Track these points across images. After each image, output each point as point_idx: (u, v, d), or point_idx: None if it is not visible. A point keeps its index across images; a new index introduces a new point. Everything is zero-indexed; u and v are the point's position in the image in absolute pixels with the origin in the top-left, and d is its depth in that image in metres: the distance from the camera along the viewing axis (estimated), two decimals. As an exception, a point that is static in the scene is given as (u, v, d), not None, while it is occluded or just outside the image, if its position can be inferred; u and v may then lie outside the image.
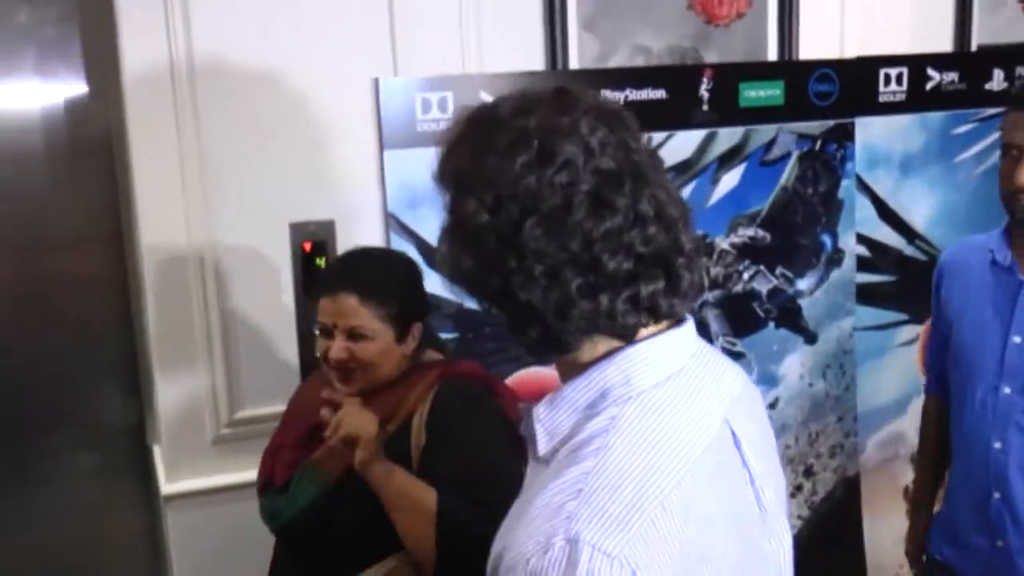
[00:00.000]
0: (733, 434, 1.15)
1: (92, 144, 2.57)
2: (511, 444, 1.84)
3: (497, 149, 1.07)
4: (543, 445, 1.12)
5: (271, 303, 2.44)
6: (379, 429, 1.85)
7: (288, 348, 2.46)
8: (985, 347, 2.13)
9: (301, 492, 1.92)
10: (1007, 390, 2.07)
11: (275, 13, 2.33)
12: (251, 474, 2.07)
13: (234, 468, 2.41)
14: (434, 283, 2.45)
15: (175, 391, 2.39)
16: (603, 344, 1.10)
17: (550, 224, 1.04)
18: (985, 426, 2.08)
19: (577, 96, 1.10)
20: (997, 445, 2.08)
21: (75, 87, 2.54)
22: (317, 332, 1.97)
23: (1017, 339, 2.07)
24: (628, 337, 1.10)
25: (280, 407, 2.27)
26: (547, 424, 1.12)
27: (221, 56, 2.31)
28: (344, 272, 1.97)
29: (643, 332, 1.10)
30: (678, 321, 1.14)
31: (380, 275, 1.96)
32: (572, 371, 1.12)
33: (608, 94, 2.54)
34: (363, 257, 2.01)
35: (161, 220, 2.33)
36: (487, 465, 1.89)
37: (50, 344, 2.65)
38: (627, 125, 1.10)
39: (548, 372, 2.67)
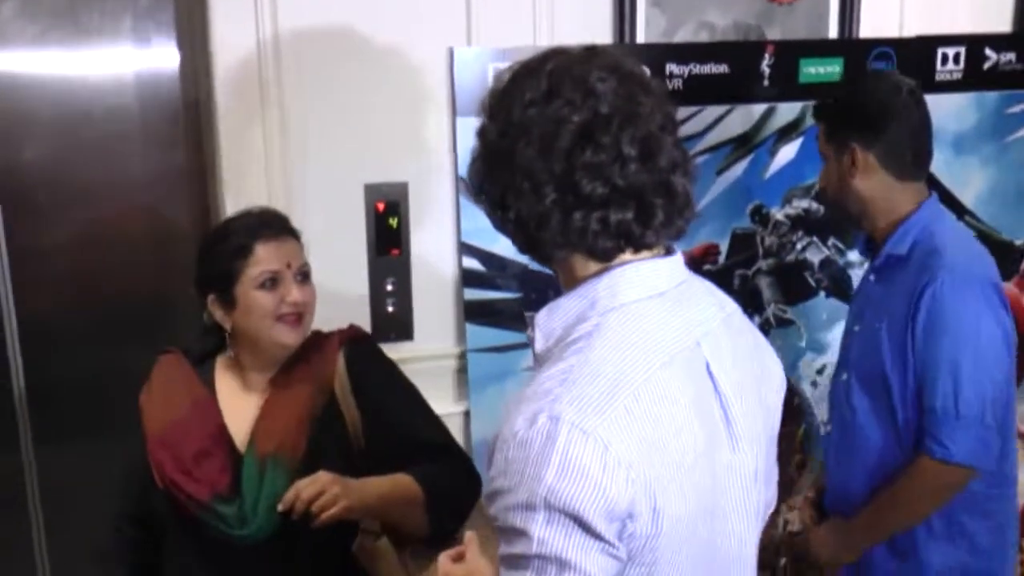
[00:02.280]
0: (705, 358, 1.24)
1: (182, 109, 2.54)
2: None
3: (517, 87, 1.20)
4: (539, 345, 1.24)
5: (346, 259, 2.42)
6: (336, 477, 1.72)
7: (361, 300, 2.45)
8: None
9: (271, 488, 1.76)
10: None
11: None
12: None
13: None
14: (504, 246, 2.44)
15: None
16: (592, 264, 1.22)
17: (539, 147, 1.16)
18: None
19: (602, 54, 1.22)
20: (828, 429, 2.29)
21: (167, 54, 2.52)
22: (259, 286, 1.78)
23: (855, 328, 2.18)
24: (606, 258, 1.21)
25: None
26: (544, 328, 1.24)
27: (305, 27, 2.29)
28: (274, 219, 1.86)
29: (630, 256, 1.21)
30: (668, 253, 1.25)
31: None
32: (570, 284, 1.24)
33: (673, 67, 2.52)
34: (268, 209, 1.91)
35: (244, 182, 2.33)
36: (423, 405, 1.95)
37: (134, 305, 2.61)
38: (647, 87, 1.21)
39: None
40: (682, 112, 2.47)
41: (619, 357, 1.16)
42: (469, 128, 2.37)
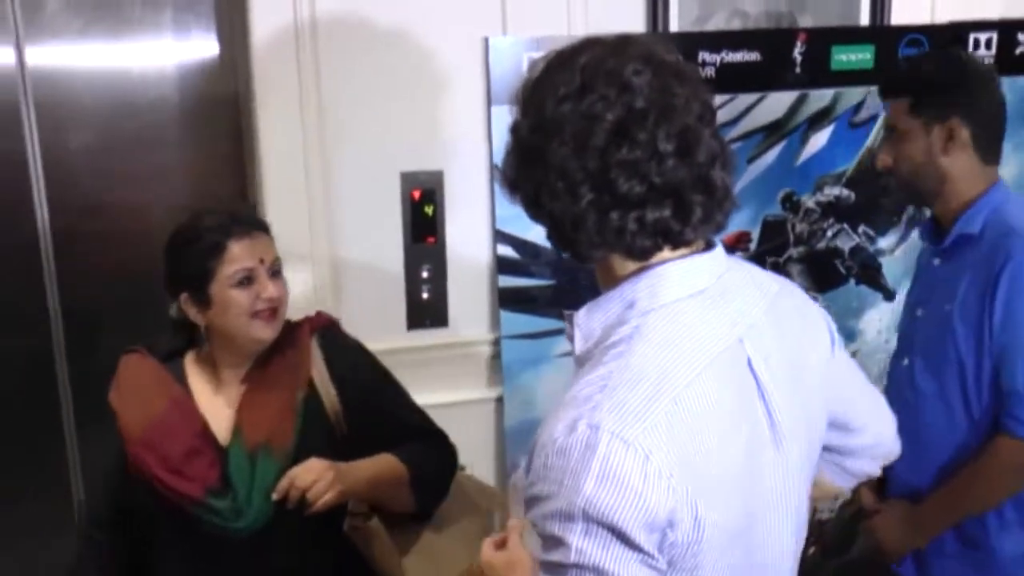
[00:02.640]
0: (747, 354, 1.21)
1: (221, 100, 2.57)
2: None
3: (549, 81, 1.16)
4: (579, 346, 1.21)
5: (382, 247, 2.43)
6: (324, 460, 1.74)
7: (396, 287, 2.46)
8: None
9: (263, 478, 1.76)
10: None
11: None
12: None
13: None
14: (537, 233, 2.44)
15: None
16: (631, 263, 1.18)
17: (573, 146, 1.12)
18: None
19: (636, 43, 1.18)
20: None
21: (207, 46, 2.53)
22: (235, 284, 1.75)
23: (919, 312, 2.11)
24: (644, 257, 1.17)
25: (389, 343, 2.28)
26: (583, 328, 1.21)
27: (342, 17, 2.30)
28: (245, 215, 1.85)
29: (669, 254, 1.17)
30: (709, 246, 1.21)
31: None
32: (608, 284, 1.21)
33: (705, 55, 2.50)
34: (237, 204, 1.90)
35: (283, 171, 2.34)
36: (397, 391, 1.94)
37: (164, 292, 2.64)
38: (683, 77, 1.16)
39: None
40: (715, 100, 2.50)
41: (660, 362, 1.13)
42: (503, 117, 2.36)
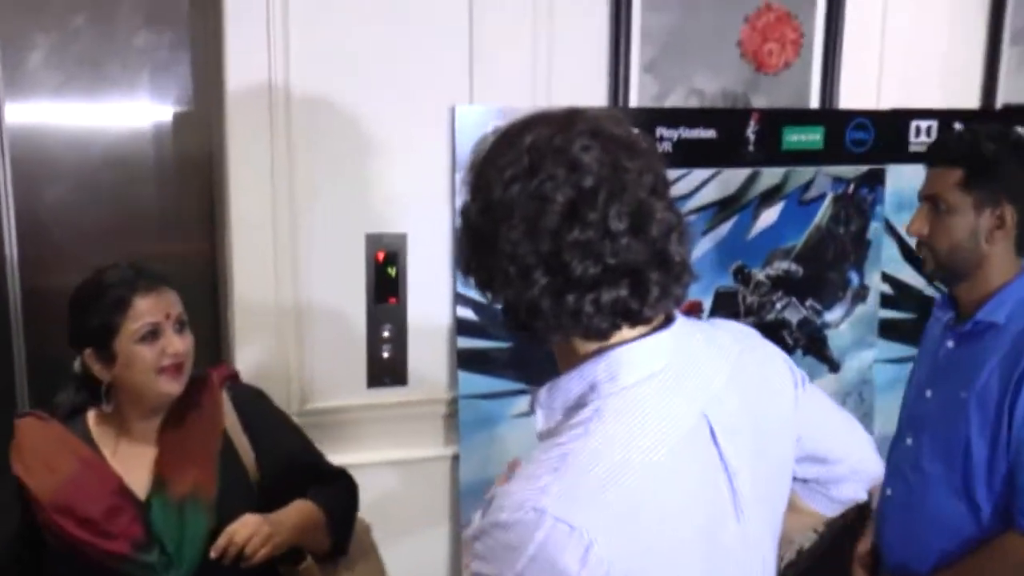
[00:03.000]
0: (710, 427, 1.17)
1: (194, 159, 2.59)
2: None
3: (496, 161, 1.11)
4: (540, 424, 1.19)
5: (345, 306, 2.44)
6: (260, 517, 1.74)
7: (358, 345, 2.47)
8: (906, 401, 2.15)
9: (193, 528, 1.75)
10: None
11: (363, 45, 2.35)
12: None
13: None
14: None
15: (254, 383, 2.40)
16: (590, 343, 1.15)
17: (524, 230, 1.08)
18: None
19: (584, 118, 1.13)
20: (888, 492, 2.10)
21: (182, 106, 2.56)
22: (140, 339, 1.73)
23: (928, 392, 2.03)
24: (603, 337, 1.13)
25: (349, 399, 2.29)
26: (544, 407, 1.18)
27: (314, 82, 2.33)
28: (148, 272, 1.80)
29: (629, 333, 1.14)
30: (668, 319, 1.18)
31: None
32: (568, 364, 1.17)
33: (663, 131, 2.57)
34: (140, 260, 1.86)
35: (251, 229, 2.35)
36: (301, 436, 2.01)
37: None
38: (633, 149, 1.12)
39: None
40: (671, 174, 2.55)
41: (617, 448, 1.09)
42: (468, 183, 2.45)
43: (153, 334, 1.74)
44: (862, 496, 1.53)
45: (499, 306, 1.17)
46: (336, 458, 2.05)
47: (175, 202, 2.60)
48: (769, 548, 1.28)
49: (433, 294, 2.50)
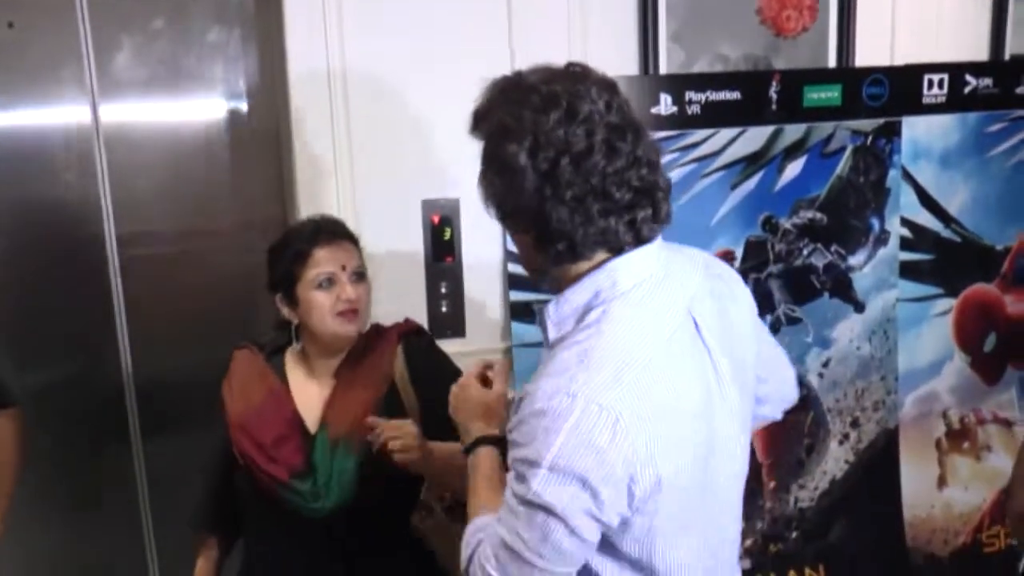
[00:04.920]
0: (695, 321, 1.32)
1: (264, 139, 2.67)
2: None
3: (534, 107, 1.23)
4: (552, 334, 1.30)
5: (406, 266, 2.51)
6: (415, 429, 1.76)
7: (419, 302, 2.53)
8: None
9: (342, 465, 1.80)
10: None
11: (411, 26, 2.40)
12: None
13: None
14: (544, 251, 2.54)
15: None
16: (598, 257, 1.28)
17: (578, 163, 1.21)
18: None
19: (586, 70, 1.29)
20: None
21: (252, 94, 2.66)
22: (317, 286, 1.82)
23: None
24: (620, 250, 1.27)
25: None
26: (554, 319, 1.31)
27: (370, 63, 2.39)
28: (330, 225, 1.89)
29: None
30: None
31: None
32: (567, 282, 1.30)
33: (691, 94, 2.60)
34: (327, 216, 1.95)
35: (317, 199, 2.41)
36: None
37: (228, 307, 2.73)
38: (621, 93, 1.29)
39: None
40: (699, 134, 2.62)
41: (628, 339, 1.22)
42: (512, 150, 2.51)
43: (330, 282, 1.82)
44: (778, 416, 1.67)
45: (533, 234, 1.27)
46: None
47: (249, 181, 2.69)
48: (745, 433, 1.42)
49: (486, 252, 2.55)
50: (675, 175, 2.63)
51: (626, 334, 1.23)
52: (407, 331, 2.00)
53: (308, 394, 1.90)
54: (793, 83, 2.69)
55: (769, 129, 2.71)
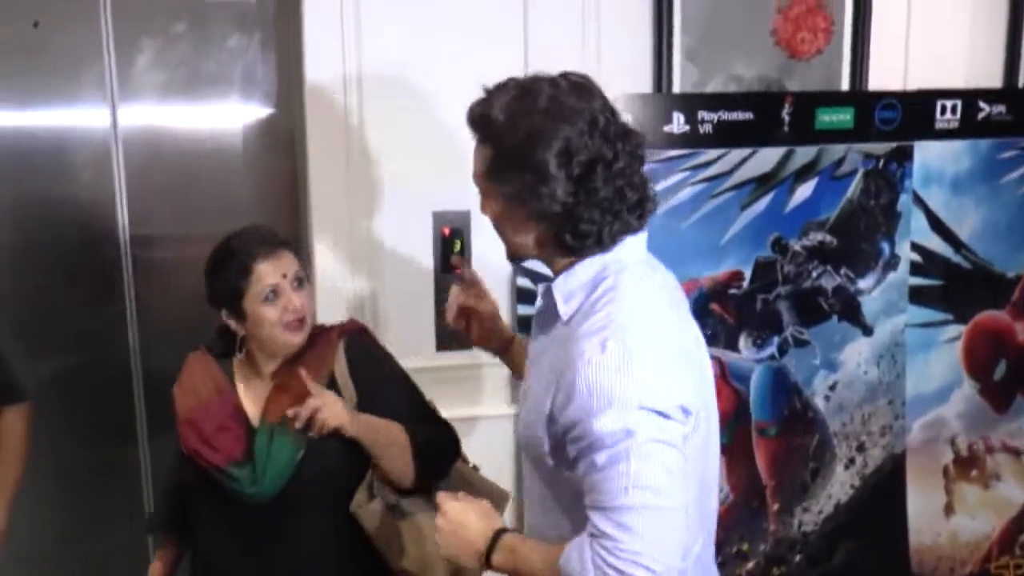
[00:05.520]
0: (679, 298, 1.53)
1: (279, 147, 2.69)
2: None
3: (561, 117, 1.33)
4: (561, 306, 1.40)
5: (415, 277, 2.51)
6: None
7: (427, 313, 2.54)
8: None
9: (278, 452, 1.83)
10: None
11: (427, 40, 2.42)
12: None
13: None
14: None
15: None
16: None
17: (609, 168, 1.35)
18: None
19: (587, 80, 1.41)
20: None
21: (268, 99, 2.66)
22: (263, 300, 1.84)
23: None
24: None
25: (420, 363, 2.37)
26: (563, 292, 1.41)
27: (385, 74, 2.40)
28: (266, 236, 1.90)
29: None
30: None
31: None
32: (565, 264, 1.42)
33: (704, 114, 2.59)
34: (260, 227, 1.96)
35: (329, 208, 2.44)
36: (410, 388, 2.01)
37: None
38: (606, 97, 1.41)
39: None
40: (711, 153, 2.62)
41: (641, 303, 1.35)
42: (525, 164, 2.51)
43: (274, 293, 1.84)
44: None
45: (553, 229, 1.39)
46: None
47: (263, 186, 2.69)
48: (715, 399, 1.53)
49: (494, 265, 2.49)
50: (685, 194, 2.63)
51: (640, 300, 1.35)
52: (350, 330, 2.01)
53: (253, 394, 1.94)
54: (806, 105, 2.68)
55: (781, 150, 2.70)
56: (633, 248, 1.43)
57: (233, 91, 2.65)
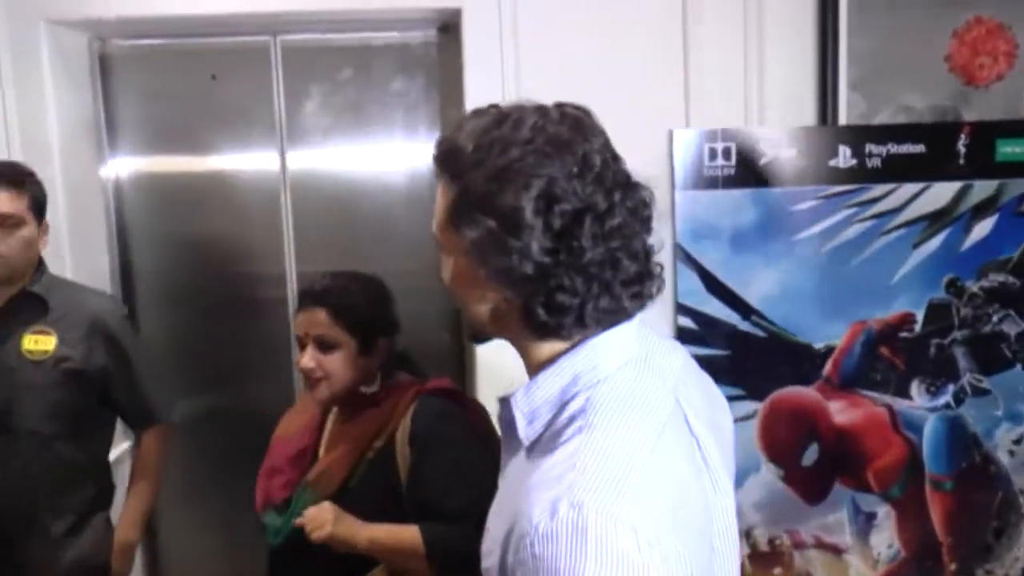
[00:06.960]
0: (681, 405, 1.07)
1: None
2: (483, 452, 1.71)
3: (543, 152, 1.00)
4: (523, 429, 1.05)
5: None
6: (341, 515, 1.74)
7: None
8: None
9: (299, 505, 1.78)
10: None
11: (587, 79, 2.32)
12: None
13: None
14: (715, 307, 2.42)
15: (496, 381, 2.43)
16: (562, 343, 1.05)
17: (602, 223, 1.00)
18: None
19: (594, 121, 1.08)
20: None
21: (430, 139, 2.65)
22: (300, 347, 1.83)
23: None
24: (615, 324, 1.04)
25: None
26: (524, 409, 1.04)
27: None
28: (315, 289, 1.82)
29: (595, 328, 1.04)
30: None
31: (348, 292, 1.81)
32: (539, 364, 1.06)
33: (871, 147, 2.45)
34: (335, 276, 1.84)
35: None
36: (466, 474, 1.74)
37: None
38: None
39: (808, 390, 2.56)
40: (880, 189, 2.47)
41: (621, 433, 0.97)
42: (686, 200, 2.42)
43: (301, 345, 1.81)
44: None
45: (524, 296, 1.02)
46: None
47: (427, 225, 2.69)
48: (735, 522, 1.15)
49: (658, 305, 2.45)
50: (852, 232, 2.48)
51: (619, 428, 0.97)
52: (427, 391, 1.85)
53: (328, 437, 1.92)
54: (984, 136, 2.51)
55: (956, 185, 2.52)
56: (617, 346, 1.05)
57: (396, 133, 2.68)
